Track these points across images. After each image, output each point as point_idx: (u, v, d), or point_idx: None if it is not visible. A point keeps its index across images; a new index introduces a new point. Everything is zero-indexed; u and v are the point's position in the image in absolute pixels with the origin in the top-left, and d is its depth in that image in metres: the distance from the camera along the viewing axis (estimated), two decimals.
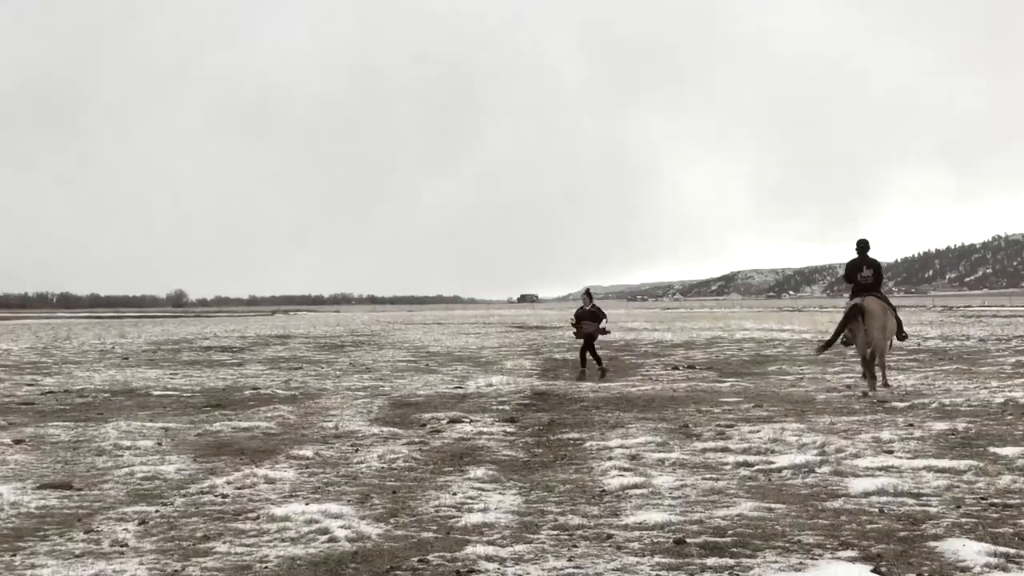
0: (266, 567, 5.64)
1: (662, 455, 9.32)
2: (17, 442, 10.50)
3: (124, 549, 6.03)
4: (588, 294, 20.01)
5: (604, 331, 19.68)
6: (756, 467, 8.66)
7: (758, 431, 10.63)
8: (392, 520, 6.79)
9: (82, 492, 7.83)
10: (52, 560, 5.73)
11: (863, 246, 15.84)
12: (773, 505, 7.08)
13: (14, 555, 5.84)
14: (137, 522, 6.73)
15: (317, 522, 6.62)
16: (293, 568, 5.62)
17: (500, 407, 13.96)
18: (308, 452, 9.69)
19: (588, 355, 19.29)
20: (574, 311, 19.89)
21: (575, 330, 19.69)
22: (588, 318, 19.34)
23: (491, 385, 17.24)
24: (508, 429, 11.53)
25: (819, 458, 8.90)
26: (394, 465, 9.06)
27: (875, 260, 15.83)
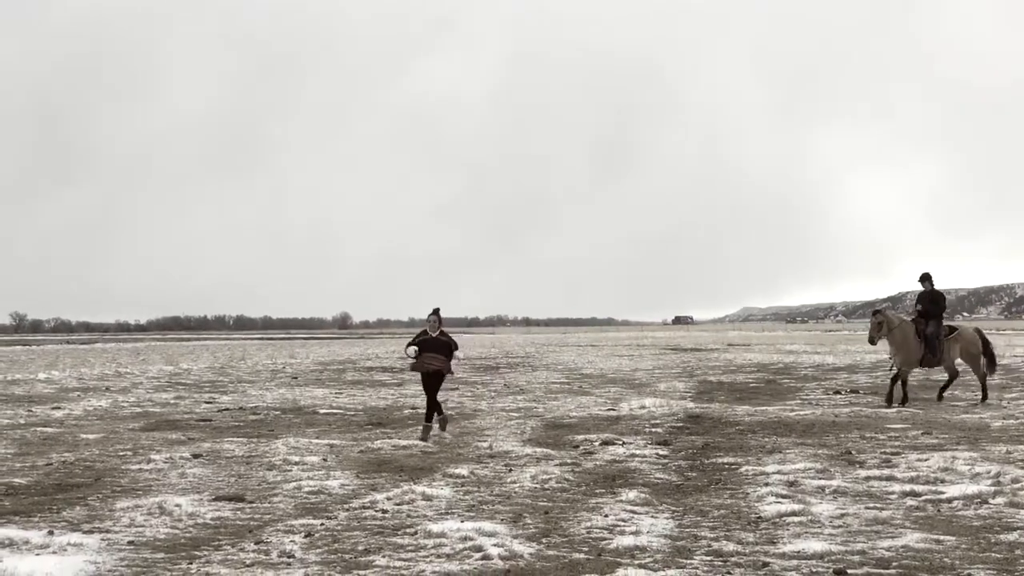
0: None
1: (822, 482, 9.00)
2: (195, 456, 11.21)
3: (291, 560, 6.34)
4: (437, 315, 13.47)
5: (451, 371, 13.53)
6: (924, 497, 8.25)
7: (927, 459, 10.11)
8: (544, 540, 6.86)
9: (254, 504, 8.28)
10: (225, 569, 6.09)
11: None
12: (942, 537, 6.72)
13: (190, 563, 6.24)
14: (304, 534, 7.06)
15: (471, 539, 6.77)
16: None
17: (653, 429, 13.83)
18: (464, 471, 9.90)
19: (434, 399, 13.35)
20: (413, 336, 13.57)
21: (414, 362, 13.38)
22: (434, 349, 13.20)
23: (644, 407, 17.09)
24: (661, 452, 11.42)
25: (993, 488, 8.39)
26: (547, 485, 9.15)
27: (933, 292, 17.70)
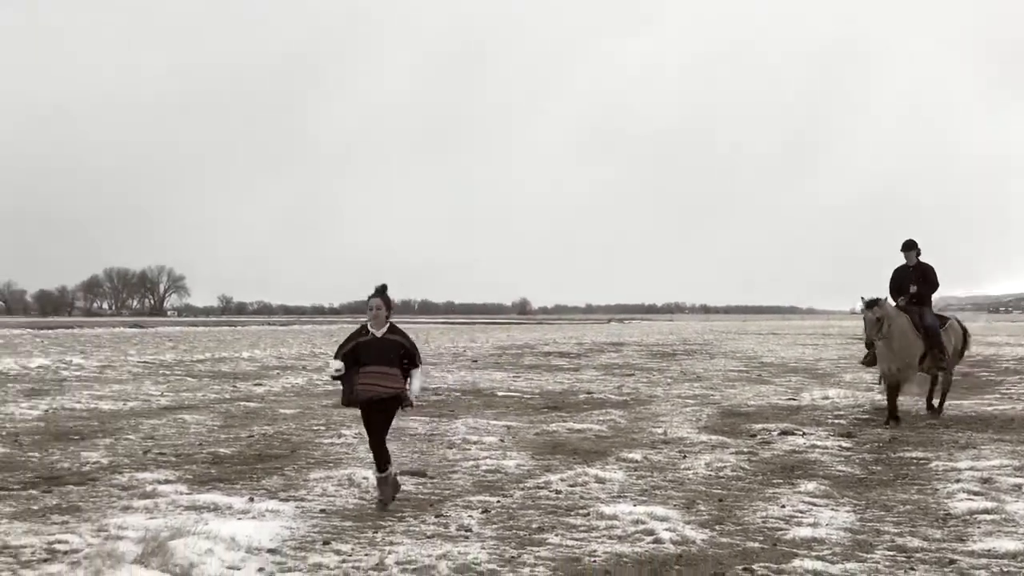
0: (594, 561, 5.92)
1: (1019, 480, 8.46)
2: None
3: (468, 534, 6.60)
4: (382, 298, 7.70)
5: (409, 402, 7.70)
6: None
7: None
8: (717, 527, 6.82)
9: (435, 480, 8.64)
10: (407, 539, 6.42)
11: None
12: None
13: (375, 532, 6.61)
14: (481, 510, 7.33)
15: (643, 523, 6.82)
16: (619, 564, 5.85)
17: (836, 421, 13.36)
18: (637, 456, 9.94)
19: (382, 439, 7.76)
20: (345, 339, 7.81)
21: (348, 387, 7.62)
22: (381, 358, 7.56)
23: (827, 398, 16.51)
24: (844, 444, 11.03)
25: None
26: (721, 473, 9.05)
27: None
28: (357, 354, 7.46)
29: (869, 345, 13.06)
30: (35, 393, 16.98)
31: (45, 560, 5.74)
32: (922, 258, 13.54)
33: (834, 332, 67.45)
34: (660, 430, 12.17)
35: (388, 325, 7.59)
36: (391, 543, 6.29)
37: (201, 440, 11.08)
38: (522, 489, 8.21)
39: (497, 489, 8.22)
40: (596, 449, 10.60)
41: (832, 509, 7.42)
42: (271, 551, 6.02)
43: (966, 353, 15.06)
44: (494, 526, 6.84)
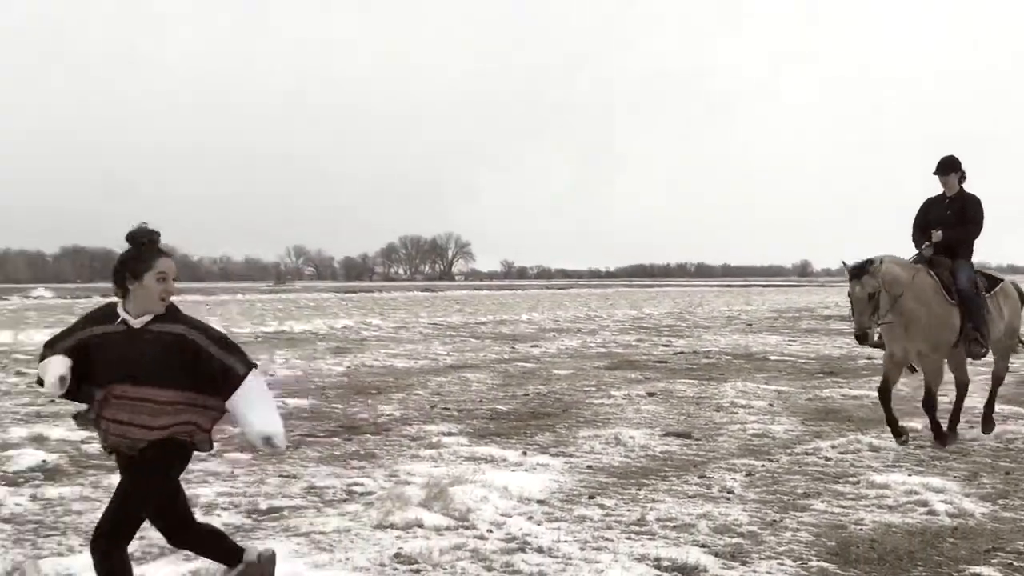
0: (860, 529, 5.79)
1: None
2: (650, 395, 12.00)
3: (730, 496, 6.66)
4: (149, 249, 3.88)
5: (271, 444, 3.91)
6: None
7: None
8: (1000, 501, 6.41)
9: (699, 442, 8.73)
10: (669, 497, 6.59)
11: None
12: None
13: (639, 489, 6.84)
14: (744, 473, 7.35)
15: (917, 493, 6.54)
16: (888, 534, 5.68)
17: None
18: (917, 425, 9.43)
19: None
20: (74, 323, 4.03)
21: (79, 413, 4.02)
22: (139, 375, 3.79)
23: None
24: None
25: None
26: (1012, 445, 8.43)
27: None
28: (88, 358, 3.89)
29: (862, 338, 8.03)
30: (340, 351, 18.85)
31: (344, 500, 6.50)
32: (967, 186, 8.82)
33: None
34: (947, 399, 11.41)
35: (163, 303, 3.89)
36: (653, 500, 6.49)
37: (481, 397, 11.86)
38: (789, 454, 8.10)
39: (763, 453, 8.18)
40: (872, 417, 10.16)
41: None
42: (540, 502, 6.43)
43: None
44: (757, 489, 6.84)
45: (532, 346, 20.41)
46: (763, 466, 7.63)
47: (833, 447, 8.36)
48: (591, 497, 6.57)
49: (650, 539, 5.57)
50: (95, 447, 8.27)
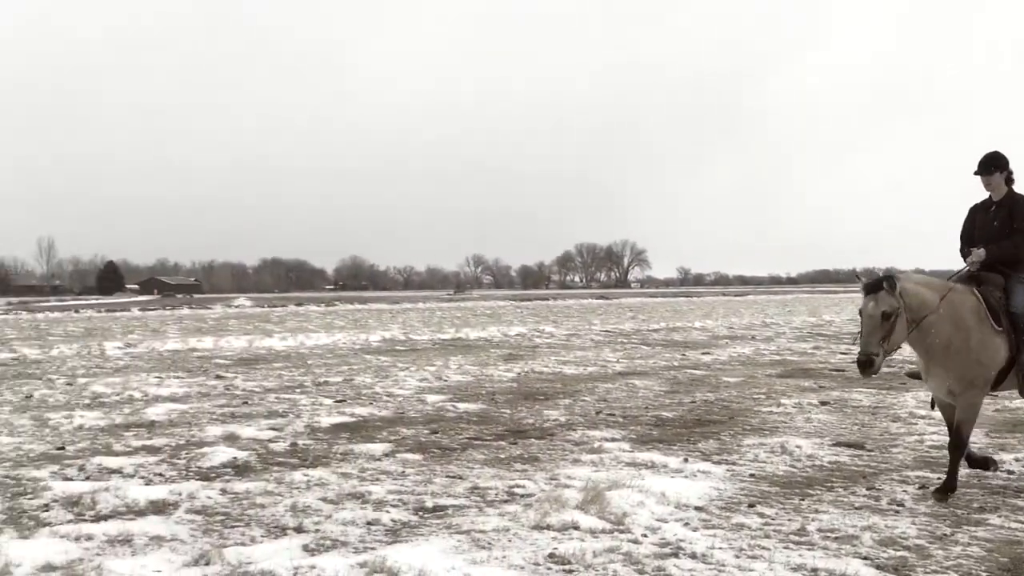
0: None
1: None
2: (823, 403, 11.65)
3: (900, 508, 6.43)
4: None
5: None
6: None
7: None
8: None
9: (872, 453, 8.43)
10: (833, 508, 6.43)
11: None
12: None
13: (802, 499, 6.71)
14: (917, 486, 7.06)
15: None
16: None
17: None
18: None
19: None
20: None
21: None
22: None
23: None
24: None
25: None
26: None
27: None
28: None
29: (866, 364, 6.47)
30: (512, 358, 19.27)
31: (505, 501, 6.73)
32: (1018, 188, 7.36)
33: None
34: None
35: None
36: (816, 511, 6.36)
37: (647, 404, 11.87)
38: (967, 467, 7.70)
39: (940, 466, 7.79)
40: None
41: None
42: (697, 508, 6.43)
43: None
44: (929, 502, 6.56)
45: (703, 353, 20.16)
46: (939, 479, 7.28)
47: (1017, 460, 7.89)
48: (751, 505, 6.51)
49: (809, 549, 5.48)
50: (281, 446, 8.92)
